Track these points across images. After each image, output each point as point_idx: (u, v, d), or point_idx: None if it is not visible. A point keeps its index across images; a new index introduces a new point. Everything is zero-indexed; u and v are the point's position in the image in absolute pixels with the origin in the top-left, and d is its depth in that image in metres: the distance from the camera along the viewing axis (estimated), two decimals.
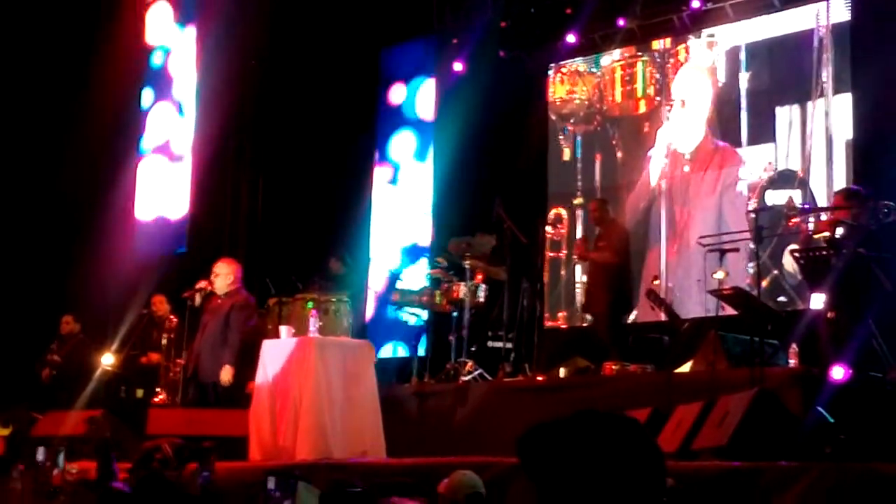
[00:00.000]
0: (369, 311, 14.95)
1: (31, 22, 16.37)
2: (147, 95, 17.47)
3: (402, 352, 14.25)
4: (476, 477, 5.90)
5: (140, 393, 13.05)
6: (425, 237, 15.24)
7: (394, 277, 14.42)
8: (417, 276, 14.27)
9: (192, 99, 16.76)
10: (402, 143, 15.83)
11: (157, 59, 17.56)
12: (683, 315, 11.50)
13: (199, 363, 10.91)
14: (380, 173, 15.91)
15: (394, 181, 15.81)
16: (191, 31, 17.00)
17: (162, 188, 16.97)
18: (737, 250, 10.67)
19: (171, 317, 12.84)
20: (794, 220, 9.84)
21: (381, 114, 16.06)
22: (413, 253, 15.25)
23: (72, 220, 16.37)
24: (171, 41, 17.35)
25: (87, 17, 16.50)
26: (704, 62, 13.61)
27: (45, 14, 16.39)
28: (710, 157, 13.42)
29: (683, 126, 13.70)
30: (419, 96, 15.70)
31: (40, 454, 7.49)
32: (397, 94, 15.95)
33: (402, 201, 15.65)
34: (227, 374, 10.65)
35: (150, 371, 12.99)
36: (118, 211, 16.82)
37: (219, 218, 16.20)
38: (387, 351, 14.34)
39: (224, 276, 11.08)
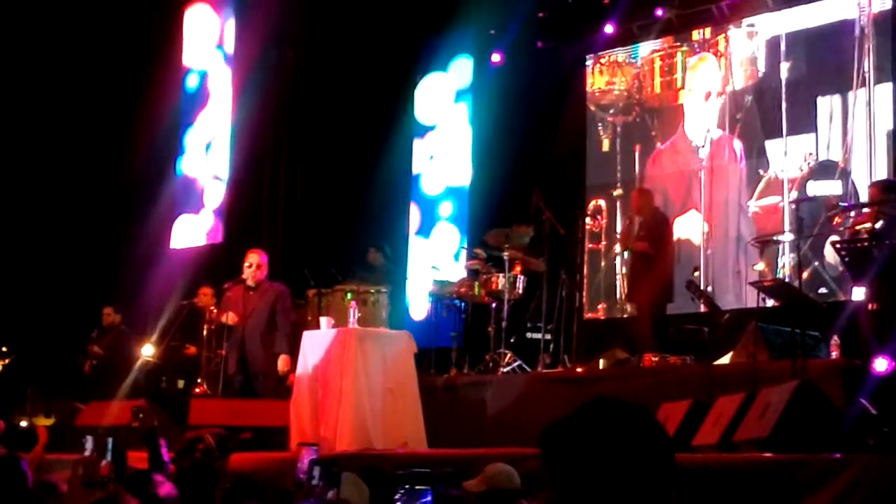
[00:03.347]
0: (409, 302, 14.97)
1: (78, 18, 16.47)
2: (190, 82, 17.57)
3: (441, 342, 14.23)
4: (511, 469, 5.87)
5: (181, 383, 13.13)
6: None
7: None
8: (454, 267, 14.28)
9: (228, 89, 16.82)
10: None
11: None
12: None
13: (246, 354, 10.94)
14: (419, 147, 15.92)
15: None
16: (230, 24, 17.06)
17: (202, 179, 17.06)
18: (780, 242, 10.66)
19: (213, 308, 12.88)
20: (837, 219, 9.81)
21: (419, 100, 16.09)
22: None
23: (112, 211, 16.47)
24: (209, 38, 17.42)
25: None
26: (742, 52, 13.58)
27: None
28: (722, 148, 13.55)
29: (705, 118, 13.77)
30: (459, 71, 15.70)
31: (88, 444, 7.48)
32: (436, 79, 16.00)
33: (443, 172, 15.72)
34: (284, 364, 10.70)
35: (190, 362, 13.06)
36: (159, 203, 16.90)
37: (257, 208, 16.25)
38: (426, 341, 14.33)
39: (260, 266, 11.12)
